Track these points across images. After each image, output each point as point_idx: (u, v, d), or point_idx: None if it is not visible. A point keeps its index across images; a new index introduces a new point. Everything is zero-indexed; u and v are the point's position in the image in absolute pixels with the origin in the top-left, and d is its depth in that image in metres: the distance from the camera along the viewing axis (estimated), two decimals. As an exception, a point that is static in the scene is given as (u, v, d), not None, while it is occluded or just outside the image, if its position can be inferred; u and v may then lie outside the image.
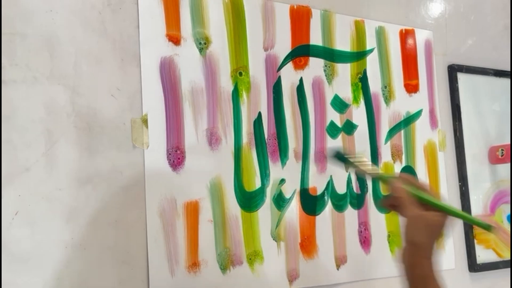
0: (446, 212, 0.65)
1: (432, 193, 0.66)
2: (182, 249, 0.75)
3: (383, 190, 0.97)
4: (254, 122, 0.84)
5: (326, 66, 0.93)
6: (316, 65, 0.92)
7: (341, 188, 0.92)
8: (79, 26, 0.72)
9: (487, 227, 0.66)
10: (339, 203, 0.91)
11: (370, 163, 0.73)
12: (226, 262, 0.78)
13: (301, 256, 0.86)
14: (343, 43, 0.96)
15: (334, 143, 0.92)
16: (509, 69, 1.20)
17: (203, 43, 0.81)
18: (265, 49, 0.87)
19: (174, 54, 0.78)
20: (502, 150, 1.11)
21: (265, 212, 0.83)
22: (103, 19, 0.73)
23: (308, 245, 0.86)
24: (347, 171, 0.72)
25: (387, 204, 0.69)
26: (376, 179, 0.70)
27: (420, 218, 0.64)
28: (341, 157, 0.72)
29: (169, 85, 0.77)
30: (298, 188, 0.87)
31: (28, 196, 0.65)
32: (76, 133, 0.69)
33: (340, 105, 0.94)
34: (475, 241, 1.07)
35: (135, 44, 0.75)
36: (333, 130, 0.92)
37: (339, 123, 0.93)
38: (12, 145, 0.65)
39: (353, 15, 0.98)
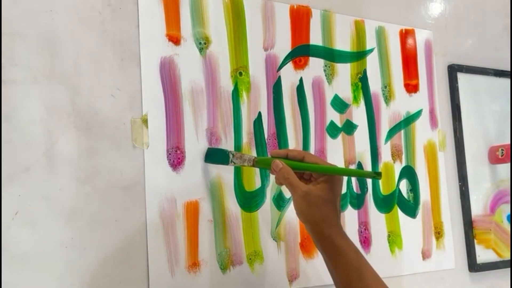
0: (330, 173, 0.66)
1: (313, 158, 0.68)
2: (182, 249, 0.75)
3: (383, 190, 0.97)
4: (254, 122, 0.84)
5: (326, 66, 0.93)
6: (316, 65, 0.92)
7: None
8: (79, 26, 0.72)
9: (375, 175, 0.67)
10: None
11: (245, 154, 0.74)
12: (226, 262, 0.78)
13: (301, 256, 0.86)
14: (343, 43, 0.96)
15: (334, 143, 0.92)
16: (509, 69, 1.20)
17: (203, 43, 0.81)
18: (265, 49, 0.87)
19: (174, 54, 0.78)
20: (502, 150, 1.11)
21: (265, 212, 0.83)
22: (103, 19, 0.73)
23: (308, 245, 0.86)
24: (229, 164, 0.74)
25: (279, 183, 0.70)
26: (256, 166, 0.72)
27: (307, 196, 0.65)
28: (215, 154, 0.76)
29: (169, 85, 0.77)
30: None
31: (28, 196, 0.65)
32: (76, 133, 0.69)
33: (340, 105, 0.94)
34: (475, 241, 1.07)
35: (135, 44, 0.75)
36: (333, 130, 0.92)
37: (339, 123, 0.93)
38: (12, 145, 0.65)
39: (353, 15, 0.98)
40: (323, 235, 0.65)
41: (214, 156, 0.78)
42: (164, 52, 0.77)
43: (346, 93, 0.95)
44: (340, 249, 0.65)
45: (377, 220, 0.95)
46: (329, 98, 0.93)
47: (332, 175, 0.67)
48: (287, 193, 0.86)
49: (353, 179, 0.93)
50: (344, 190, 0.92)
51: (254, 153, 0.83)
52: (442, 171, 1.05)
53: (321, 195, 0.65)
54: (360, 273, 0.64)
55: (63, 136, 0.69)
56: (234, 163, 0.75)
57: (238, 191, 0.81)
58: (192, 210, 0.77)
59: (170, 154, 0.76)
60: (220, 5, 0.83)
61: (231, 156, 0.75)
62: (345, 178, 0.91)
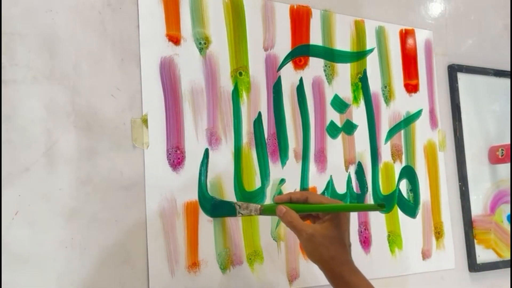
0: (334, 211, 0.66)
1: (316, 197, 0.68)
2: (182, 249, 0.75)
3: (382, 190, 0.97)
4: (254, 122, 0.84)
5: (326, 66, 0.93)
6: (316, 65, 0.92)
7: (341, 188, 0.92)
8: (79, 26, 0.72)
9: (378, 208, 0.67)
10: (339, 203, 0.91)
11: (250, 204, 0.75)
12: (226, 262, 0.78)
13: (301, 256, 0.85)
14: (343, 43, 0.96)
15: (334, 143, 0.92)
16: (509, 69, 1.20)
17: (203, 43, 0.81)
18: (265, 49, 0.87)
19: (174, 54, 0.78)
20: (502, 150, 1.11)
21: (265, 212, 0.83)
22: (103, 19, 0.73)
23: (308, 245, 0.86)
24: (236, 215, 0.75)
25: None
26: (263, 214, 0.72)
27: (312, 238, 0.65)
28: (221, 209, 0.76)
29: (169, 85, 0.77)
30: (298, 188, 0.87)
31: (28, 196, 0.65)
32: (76, 133, 0.69)
33: (340, 105, 0.94)
34: (475, 241, 1.07)
35: (135, 44, 0.75)
36: (333, 130, 0.92)
37: (339, 123, 0.93)
38: (12, 145, 0.65)
39: (353, 15, 0.98)
40: (334, 273, 0.65)
41: (221, 209, 0.77)
42: (164, 52, 0.77)
43: (346, 93, 0.95)
44: (353, 286, 0.65)
45: (377, 220, 0.95)
46: (329, 98, 0.93)
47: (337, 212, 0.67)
48: (287, 193, 0.86)
49: (353, 180, 0.93)
50: (344, 190, 0.92)
51: (254, 154, 0.83)
52: (442, 171, 1.05)
53: (327, 234, 0.65)
54: None
55: (63, 136, 0.69)
56: (242, 214, 0.75)
57: (238, 191, 0.81)
58: (192, 210, 0.77)
59: (170, 154, 0.76)
60: (220, 5, 0.83)
61: (237, 207, 0.74)
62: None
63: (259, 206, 0.73)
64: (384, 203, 0.70)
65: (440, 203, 1.04)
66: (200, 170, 0.78)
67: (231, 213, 0.75)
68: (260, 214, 0.73)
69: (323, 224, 0.66)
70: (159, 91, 0.76)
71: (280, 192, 0.85)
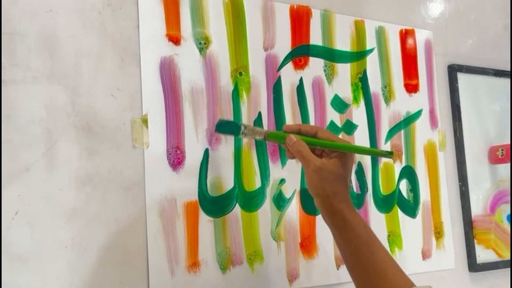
0: (344, 150, 0.66)
1: (326, 134, 0.68)
2: (182, 249, 0.75)
3: (382, 190, 0.97)
4: (254, 122, 0.84)
5: (326, 66, 0.93)
6: (316, 65, 0.92)
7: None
8: (79, 26, 0.72)
9: (387, 154, 0.67)
10: (339, 203, 0.91)
11: (256, 127, 0.74)
12: (226, 262, 0.78)
13: (301, 256, 0.86)
14: (343, 43, 0.96)
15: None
16: (509, 69, 1.20)
17: (203, 43, 0.81)
18: (265, 49, 0.87)
19: (174, 54, 0.78)
20: (502, 150, 1.11)
21: (265, 212, 0.83)
22: (103, 19, 0.73)
23: (308, 245, 0.86)
24: (239, 136, 0.74)
25: (291, 157, 0.70)
26: (267, 139, 0.72)
27: (320, 170, 0.65)
28: (227, 125, 0.74)
29: (169, 85, 0.77)
30: (298, 188, 0.87)
31: (28, 196, 0.65)
32: (76, 133, 0.70)
33: (340, 105, 0.94)
34: (475, 241, 1.07)
35: (135, 44, 0.75)
36: (333, 130, 0.92)
37: (339, 123, 0.93)
38: (12, 145, 0.65)
39: (353, 15, 0.98)
40: (334, 209, 0.65)
41: (225, 127, 0.75)
42: (164, 52, 0.77)
43: (346, 93, 0.95)
44: (351, 223, 0.65)
45: (377, 220, 0.95)
46: (329, 98, 0.93)
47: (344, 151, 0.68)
48: (287, 193, 0.86)
49: (353, 180, 0.93)
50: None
51: (254, 154, 0.83)
52: (442, 171, 1.05)
53: (334, 170, 0.65)
54: (370, 247, 0.64)
55: (63, 136, 0.69)
56: (245, 135, 0.72)
57: (238, 191, 0.81)
58: (192, 210, 0.77)
59: (170, 154, 0.76)
60: (220, 5, 0.83)
61: (242, 128, 0.72)
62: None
63: (265, 131, 0.71)
64: (393, 152, 0.69)
65: (440, 203, 1.04)
66: (200, 170, 0.78)
67: (235, 132, 0.73)
68: (265, 139, 0.71)
69: (330, 160, 0.66)
70: (159, 91, 0.76)
71: (280, 192, 0.85)
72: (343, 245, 0.66)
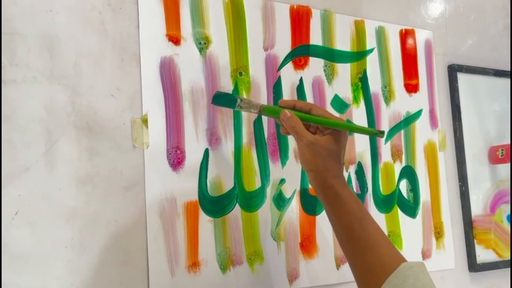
0: (336, 127, 0.67)
1: (320, 111, 0.69)
2: (182, 249, 0.75)
3: (382, 190, 0.97)
4: (254, 122, 0.84)
5: (326, 66, 0.93)
6: (316, 65, 0.92)
7: (341, 188, 0.92)
8: (79, 26, 0.72)
9: (378, 133, 0.67)
10: (339, 203, 0.91)
11: (252, 101, 0.75)
12: (226, 262, 0.78)
13: (301, 256, 0.86)
14: (343, 43, 0.96)
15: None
16: (509, 69, 1.20)
17: (203, 43, 0.81)
18: (265, 49, 0.87)
19: (174, 54, 0.78)
20: (502, 150, 1.11)
21: (265, 212, 0.83)
22: (103, 19, 0.73)
23: (308, 245, 0.86)
24: (235, 108, 0.75)
25: (285, 132, 0.72)
26: (262, 113, 0.73)
27: (312, 145, 0.66)
28: (223, 97, 0.75)
29: (169, 85, 0.77)
30: (298, 188, 0.87)
31: (28, 196, 0.65)
32: (76, 133, 0.70)
33: (340, 105, 0.94)
34: (475, 241, 1.07)
35: (135, 44, 0.75)
36: (333, 130, 0.92)
37: (339, 123, 0.93)
38: (12, 145, 0.65)
39: (353, 15, 0.98)
40: (326, 184, 0.66)
41: (222, 98, 0.77)
42: (164, 52, 0.77)
43: (346, 93, 0.95)
44: (343, 198, 0.65)
45: (377, 220, 0.94)
46: (329, 98, 0.93)
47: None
48: (287, 193, 0.86)
49: (353, 180, 0.93)
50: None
51: (254, 154, 0.83)
52: (442, 171, 1.05)
53: (326, 146, 0.66)
54: (362, 222, 0.65)
55: (63, 136, 0.69)
56: (241, 108, 0.74)
57: (238, 191, 0.81)
58: (192, 210, 0.77)
59: (170, 154, 0.76)
60: (220, 5, 0.83)
61: (238, 101, 0.74)
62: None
63: (261, 105, 0.73)
64: (384, 131, 0.70)
65: (440, 203, 1.04)
66: (200, 170, 0.78)
67: (231, 104, 0.75)
68: (259, 113, 0.73)
69: (323, 137, 0.67)
70: (159, 91, 0.76)
71: (280, 192, 0.85)
72: (335, 220, 0.66)
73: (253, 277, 0.80)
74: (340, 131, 0.68)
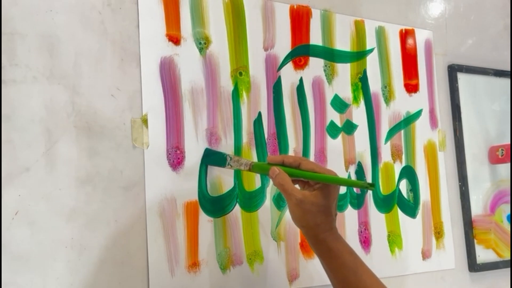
0: (326, 181, 0.66)
1: (309, 165, 0.68)
2: (182, 249, 0.75)
3: (383, 190, 0.97)
4: (254, 122, 0.84)
5: (326, 66, 0.93)
6: (316, 65, 0.92)
7: (341, 188, 0.91)
8: (79, 26, 0.72)
9: (369, 186, 0.67)
10: (339, 203, 0.91)
11: (242, 158, 0.75)
12: (226, 262, 0.78)
13: (301, 256, 0.86)
14: (343, 43, 0.96)
15: (334, 143, 0.92)
16: (509, 69, 1.20)
17: (203, 43, 0.81)
18: (265, 49, 0.87)
19: (174, 54, 0.78)
20: (502, 150, 1.11)
21: (265, 212, 0.83)
22: (103, 19, 0.73)
23: (308, 245, 0.86)
24: (225, 167, 0.75)
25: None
26: (252, 171, 0.73)
27: (301, 203, 0.65)
28: (213, 155, 0.76)
29: (169, 85, 0.77)
30: (298, 188, 0.87)
31: (28, 196, 0.65)
32: (76, 133, 0.69)
33: (340, 105, 0.94)
34: (475, 241, 1.07)
35: (135, 44, 0.75)
36: (333, 130, 0.92)
37: (339, 123, 0.93)
38: (12, 145, 0.65)
39: (353, 15, 0.98)
40: (318, 239, 0.66)
41: (212, 157, 0.78)
42: (164, 52, 0.77)
43: (346, 93, 0.95)
44: (336, 252, 0.66)
45: (377, 220, 0.95)
46: (329, 98, 0.93)
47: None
48: (287, 193, 0.86)
49: (353, 179, 0.93)
50: (344, 190, 0.92)
51: (254, 154, 0.83)
52: (442, 171, 1.05)
53: (316, 202, 0.65)
54: (356, 274, 0.65)
55: (63, 136, 0.69)
56: (231, 166, 0.75)
57: (238, 191, 0.81)
58: (192, 210, 0.77)
59: (170, 154, 0.76)
60: (220, 5, 0.83)
61: (228, 159, 0.75)
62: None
63: (250, 162, 0.73)
64: (374, 183, 0.70)
65: (440, 203, 1.04)
66: (200, 170, 0.78)
67: (221, 163, 0.76)
68: (250, 170, 0.73)
69: (313, 192, 0.66)
70: (159, 91, 0.76)
71: (280, 192, 0.85)
72: (331, 273, 0.67)
73: (253, 277, 0.80)
74: (330, 185, 0.67)
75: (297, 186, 0.70)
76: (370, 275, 0.66)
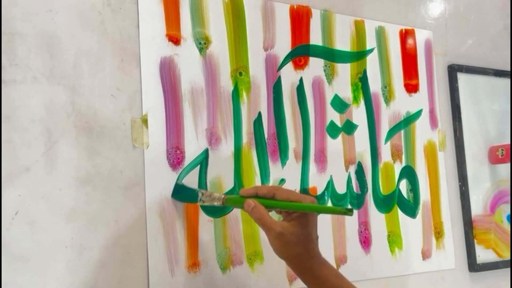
0: (302, 210, 0.65)
1: (284, 194, 0.66)
2: (182, 249, 0.75)
3: (382, 190, 0.97)
4: (254, 122, 0.84)
5: (326, 66, 0.93)
6: (316, 65, 0.92)
7: (341, 188, 0.92)
8: (79, 26, 0.72)
9: (347, 212, 0.65)
10: (339, 203, 0.91)
11: (214, 192, 0.73)
12: (226, 262, 0.78)
13: (301, 256, 0.85)
14: (343, 43, 0.96)
15: (334, 143, 0.92)
16: (509, 69, 1.20)
17: (203, 43, 0.81)
18: (265, 49, 0.87)
19: (174, 54, 0.78)
20: (502, 150, 1.11)
21: (265, 212, 0.83)
22: (103, 19, 0.73)
23: (308, 245, 0.86)
24: (197, 203, 0.74)
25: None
26: (226, 205, 0.71)
27: (281, 236, 0.64)
28: (183, 191, 0.73)
29: (169, 85, 0.77)
30: (298, 188, 0.87)
31: (28, 196, 0.65)
32: (76, 133, 0.69)
33: (340, 105, 0.94)
34: (475, 241, 1.07)
35: (135, 44, 0.75)
36: (333, 130, 0.92)
37: (339, 123, 0.93)
38: (12, 145, 0.65)
39: (353, 15, 0.98)
40: (302, 267, 0.66)
41: (183, 194, 0.75)
42: (164, 52, 0.77)
43: (346, 93, 0.95)
44: (321, 278, 0.65)
45: (377, 220, 0.95)
46: (329, 98, 0.93)
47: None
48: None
49: (353, 180, 0.93)
50: (344, 190, 0.92)
51: (254, 154, 0.83)
52: (442, 171, 1.05)
53: (295, 232, 0.64)
54: None
55: (63, 136, 0.69)
56: (203, 202, 0.72)
57: (238, 191, 0.81)
58: (192, 210, 0.77)
59: (170, 154, 0.76)
60: (220, 5, 0.83)
61: (200, 194, 0.72)
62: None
63: (223, 196, 0.70)
64: (352, 208, 0.68)
65: (440, 203, 1.04)
66: (200, 170, 0.78)
67: (193, 199, 0.73)
68: (223, 204, 0.71)
69: (291, 222, 0.65)
70: (159, 91, 0.76)
71: (280, 192, 0.85)
72: None
73: (253, 277, 0.80)
74: (306, 213, 0.66)
75: (273, 213, 0.68)
76: None
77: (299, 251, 0.65)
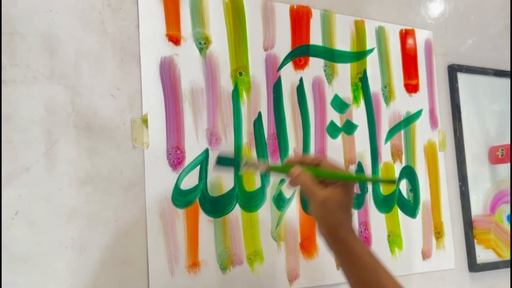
0: (347, 179, 0.66)
1: (328, 164, 0.68)
2: (182, 249, 0.75)
3: (382, 190, 0.97)
4: (254, 122, 0.84)
5: (326, 66, 0.93)
6: (316, 65, 0.92)
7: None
8: (79, 26, 0.72)
9: (391, 182, 0.66)
10: (339, 203, 0.91)
11: (257, 159, 0.73)
12: (226, 262, 0.78)
13: (301, 256, 0.86)
14: (343, 43, 0.96)
15: (334, 143, 0.92)
16: (509, 69, 1.20)
17: (203, 43, 0.81)
18: (265, 49, 0.87)
19: (174, 54, 0.78)
20: (502, 150, 1.11)
21: (265, 212, 0.83)
22: (103, 19, 0.73)
23: (308, 245, 0.86)
24: (239, 173, 0.73)
25: (292, 187, 0.70)
26: (271, 172, 0.71)
27: (324, 202, 0.65)
28: (227, 161, 0.72)
29: (169, 85, 0.77)
30: (298, 188, 0.87)
31: (28, 196, 0.65)
32: (76, 133, 0.69)
33: (340, 105, 0.94)
34: (475, 241, 1.07)
35: (135, 44, 0.75)
36: (333, 130, 0.92)
37: (339, 123, 0.93)
38: (12, 145, 0.65)
39: (353, 15, 0.98)
40: (338, 238, 0.65)
41: (226, 161, 0.73)
42: (164, 52, 0.77)
43: (346, 93, 0.95)
44: (356, 252, 0.65)
45: (377, 220, 0.95)
46: (329, 98, 0.93)
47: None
48: (287, 193, 0.86)
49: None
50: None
51: (254, 153, 0.83)
52: (442, 171, 1.05)
53: (338, 200, 0.65)
54: (376, 274, 0.65)
55: (63, 136, 0.69)
56: (247, 167, 0.71)
57: (238, 191, 0.81)
58: (192, 210, 0.77)
59: (170, 154, 0.76)
60: (220, 5, 0.83)
61: (243, 162, 0.71)
62: None
63: (267, 163, 0.70)
64: (396, 180, 0.69)
65: (440, 203, 1.04)
66: (200, 170, 0.78)
67: (236, 166, 0.74)
68: (267, 170, 0.70)
69: (335, 190, 0.65)
70: (159, 91, 0.76)
71: (280, 192, 0.85)
72: (349, 273, 0.66)
73: (253, 277, 0.80)
74: (349, 183, 0.66)
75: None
76: (389, 276, 0.66)
77: (340, 220, 0.65)
